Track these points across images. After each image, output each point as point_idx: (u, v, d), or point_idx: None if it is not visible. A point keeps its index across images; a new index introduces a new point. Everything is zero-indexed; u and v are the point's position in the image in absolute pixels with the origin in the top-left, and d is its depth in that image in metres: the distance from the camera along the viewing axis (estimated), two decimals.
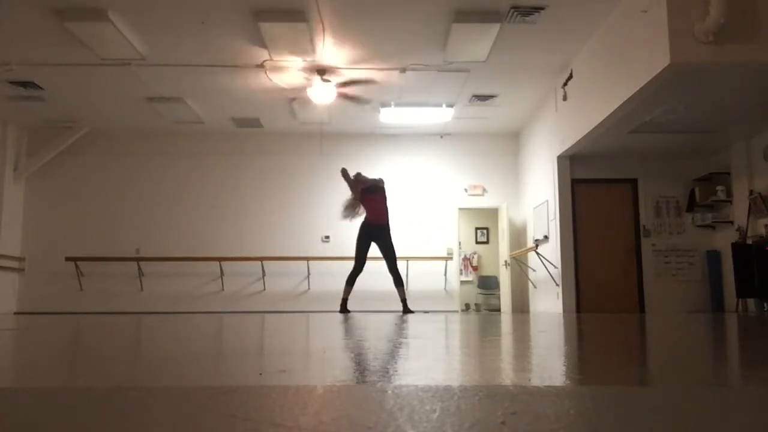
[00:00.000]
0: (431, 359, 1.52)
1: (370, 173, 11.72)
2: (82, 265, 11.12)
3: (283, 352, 1.75)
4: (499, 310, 12.60)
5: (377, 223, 7.08)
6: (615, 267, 9.47)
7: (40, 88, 9.33)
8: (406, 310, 7.02)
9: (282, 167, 11.71)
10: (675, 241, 9.58)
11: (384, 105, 10.11)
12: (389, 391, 0.91)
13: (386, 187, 7.38)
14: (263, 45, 7.86)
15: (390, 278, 7.06)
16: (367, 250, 7.11)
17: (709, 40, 5.80)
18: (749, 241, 8.50)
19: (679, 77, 6.23)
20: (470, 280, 14.36)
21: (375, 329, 3.06)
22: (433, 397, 0.85)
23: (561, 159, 9.43)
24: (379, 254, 7.12)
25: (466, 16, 7.15)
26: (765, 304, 8.28)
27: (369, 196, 7.19)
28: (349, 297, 7.10)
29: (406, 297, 7.16)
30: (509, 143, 11.78)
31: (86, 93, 9.62)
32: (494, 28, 7.32)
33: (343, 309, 7.06)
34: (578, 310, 9.25)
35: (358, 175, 7.32)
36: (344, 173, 7.31)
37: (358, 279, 7.11)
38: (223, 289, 11.33)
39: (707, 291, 9.45)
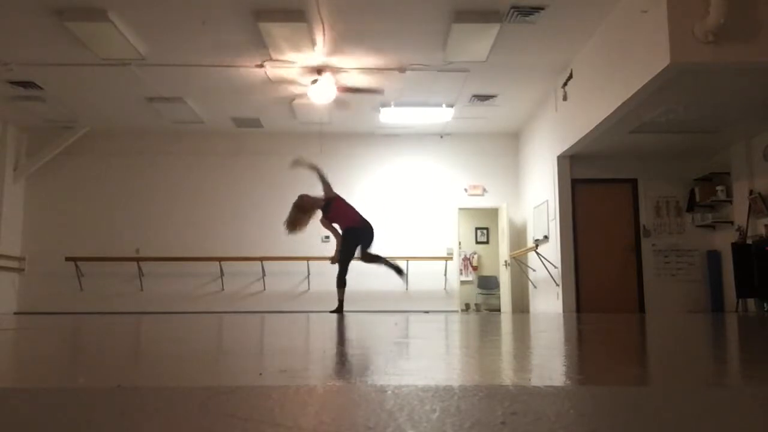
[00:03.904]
0: (431, 359, 1.52)
1: (370, 173, 11.85)
2: (82, 265, 11.12)
3: (283, 352, 1.75)
4: (499, 310, 12.59)
5: (367, 226, 7.04)
6: (615, 267, 9.47)
7: (40, 88, 9.33)
8: (338, 311, 7.06)
9: (282, 167, 11.67)
10: (675, 241, 9.58)
11: (384, 105, 10.10)
12: (389, 391, 0.91)
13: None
14: (263, 45, 7.86)
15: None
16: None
17: (709, 40, 5.80)
18: (749, 241, 8.49)
19: (679, 77, 6.23)
20: (470, 280, 14.35)
21: (374, 329, 3.06)
22: (433, 397, 0.85)
23: (561, 159, 9.43)
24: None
25: (466, 16, 7.15)
26: (765, 304, 8.28)
27: (342, 203, 7.12)
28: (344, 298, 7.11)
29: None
30: (509, 143, 11.78)
31: (86, 93, 9.61)
32: (494, 28, 7.31)
33: (338, 310, 7.02)
34: (578, 310, 9.25)
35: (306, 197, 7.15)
36: (313, 166, 7.16)
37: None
38: (223, 289, 11.32)
39: (707, 291, 9.45)
